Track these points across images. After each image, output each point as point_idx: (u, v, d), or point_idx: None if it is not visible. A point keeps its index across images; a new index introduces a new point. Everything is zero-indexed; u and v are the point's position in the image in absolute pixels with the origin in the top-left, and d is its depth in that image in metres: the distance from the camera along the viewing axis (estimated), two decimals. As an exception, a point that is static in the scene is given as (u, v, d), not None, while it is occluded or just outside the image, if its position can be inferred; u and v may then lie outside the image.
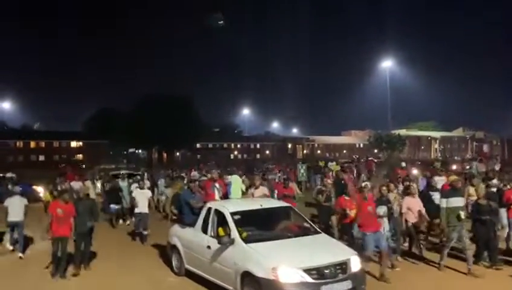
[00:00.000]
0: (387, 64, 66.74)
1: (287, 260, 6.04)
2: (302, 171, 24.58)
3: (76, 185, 14.38)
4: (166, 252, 8.92)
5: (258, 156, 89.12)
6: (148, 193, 11.88)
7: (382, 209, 8.37)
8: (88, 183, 15.60)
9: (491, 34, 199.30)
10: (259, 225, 7.33)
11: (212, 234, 7.25)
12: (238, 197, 9.54)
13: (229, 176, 11.57)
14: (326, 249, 6.67)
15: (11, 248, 10.47)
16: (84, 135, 74.08)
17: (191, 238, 7.86)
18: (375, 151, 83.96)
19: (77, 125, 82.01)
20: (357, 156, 57.93)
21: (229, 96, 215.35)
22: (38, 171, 33.95)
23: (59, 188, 13.27)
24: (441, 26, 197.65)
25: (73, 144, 75.21)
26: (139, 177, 16.11)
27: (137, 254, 10.17)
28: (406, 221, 8.85)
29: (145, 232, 10.98)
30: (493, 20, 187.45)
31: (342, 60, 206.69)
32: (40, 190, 18.83)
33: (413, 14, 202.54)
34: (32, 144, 71.95)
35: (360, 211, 7.95)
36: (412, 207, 8.83)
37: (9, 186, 10.98)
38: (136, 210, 11.15)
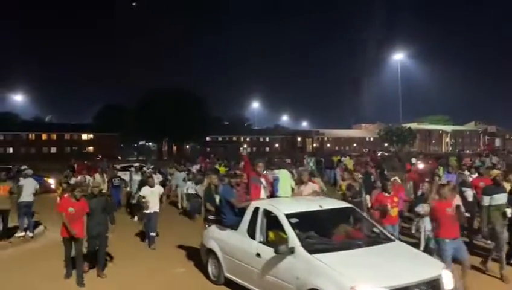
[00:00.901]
0: (398, 57, 66.21)
1: (368, 277, 4.88)
2: (310, 164, 22.98)
3: (81, 178, 13.48)
4: (201, 257, 7.69)
5: (267, 149, 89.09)
6: (160, 190, 10.40)
7: (423, 208, 7.50)
8: (97, 176, 14.37)
9: (505, 27, 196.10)
10: (320, 230, 6.15)
11: (262, 239, 6.17)
12: (287, 196, 7.85)
13: (276, 171, 9.57)
14: (410, 262, 5.50)
15: (22, 234, 10.62)
16: (95, 128, 74.75)
17: (233, 243, 6.71)
18: (386, 144, 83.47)
19: (88, 118, 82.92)
20: (368, 150, 57.69)
21: (239, 89, 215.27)
22: (50, 163, 34.43)
23: (69, 181, 12.66)
24: (454, 19, 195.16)
25: (84, 136, 75.91)
26: (148, 169, 15.48)
27: (149, 258, 8.98)
28: None
29: (153, 234, 9.75)
30: (507, 13, 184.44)
31: (353, 52, 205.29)
32: (52, 181, 19.08)
33: (426, 6, 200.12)
34: (44, 136, 72.76)
35: (437, 213, 6.56)
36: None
37: (21, 179, 11.02)
38: (146, 211, 9.72)
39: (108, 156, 46.44)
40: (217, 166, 19.84)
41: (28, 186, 10.68)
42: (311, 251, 5.43)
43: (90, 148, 72.93)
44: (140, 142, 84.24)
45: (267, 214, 6.27)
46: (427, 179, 9.86)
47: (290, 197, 7.91)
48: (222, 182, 8.05)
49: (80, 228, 7.33)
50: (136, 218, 12.92)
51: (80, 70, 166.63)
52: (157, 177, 14.61)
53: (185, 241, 9.74)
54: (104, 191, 12.38)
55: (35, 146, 69.68)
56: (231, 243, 6.77)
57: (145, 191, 9.81)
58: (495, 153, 31.06)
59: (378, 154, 43.31)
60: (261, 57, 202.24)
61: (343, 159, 24.41)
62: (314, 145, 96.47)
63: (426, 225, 7.54)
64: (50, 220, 11.16)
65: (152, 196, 9.69)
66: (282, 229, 5.88)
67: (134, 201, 13.12)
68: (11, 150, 67.70)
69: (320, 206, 6.44)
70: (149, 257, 9.03)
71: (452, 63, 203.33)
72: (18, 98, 77.06)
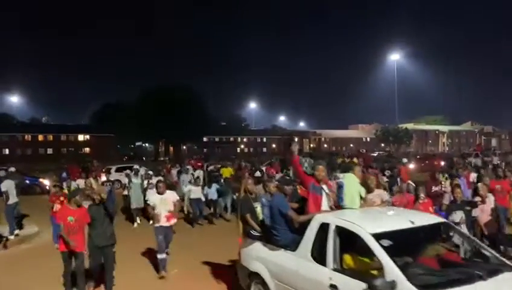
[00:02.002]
0: (395, 57, 66.37)
1: None
2: (305, 165, 23.14)
3: (80, 182, 12.56)
4: (239, 279, 6.31)
5: (264, 149, 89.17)
6: (174, 197, 8.20)
7: (458, 216, 6.78)
8: (91, 181, 12.90)
9: (502, 27, 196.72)
10: (415, 255, 4.77)
11: (336, 266, 4.68)
12: (355, 207, 5.95)
13: (340, 174, 7.40)
14: None
15: (16, 232, 10.78)
16: (91, 129, 74.56)
17: (291, 267, 5.23)
18: (382, 145, 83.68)
19: (85, 119, 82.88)
20: (364, 150, 57.78)
21: (236, 90, 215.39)
22: (46, 164, 34.36)
23: (64, 186, 12.17)
24: (450, 19, 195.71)
25: (81, 137, 75.72)
26: (151, 173, 14.20)
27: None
28: (479, 225, 7.22)
29: (163, 256, 7.63)
30: (504, 15, 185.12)
31: (349, 53, 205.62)
32: (47, 183, 19.06)
33: (422, 7, 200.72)
34: (40, 137, 72.55)
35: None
36: (485, 208, 7.31)
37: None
38: (156, 224, 7.76)
39: (104, 157, 46.50)
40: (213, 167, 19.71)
41: (13, 188, 10.85)
42: (421, 286, 3.94)
43: (87, 150, 72.81)
44: (137, 143, 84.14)
45: (343, 232, 4.80)
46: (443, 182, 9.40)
47: (363, 209, 6.00)
48: (266, 188, 6.66)
49: (80, 241, 6.32)
50: (135, 224, 12.50)
51: (77, 71, 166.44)
52: (158, 180, 14.15)
53: (200, 255, 8.66)
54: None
55: (32, 147, 69.45)
56: (287, 267, 5.29)
57: (154, 198, 7.92)
58: (485, 154, 31.18)
59: (375, 154, 43.43)
60: (259, 58, 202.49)
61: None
62: (311, 145, 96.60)
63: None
64: (45, 222, 11.15)
65: (163, 205, 7.74)
66: (366, 253, 4.55)
67: (135, 207, 12.57)
68: (7, 151, 67.47)
69: (412, 222, 4.82)
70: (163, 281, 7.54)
71: (449, 63, 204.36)
72: (14, 99, 77.18)
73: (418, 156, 38.43)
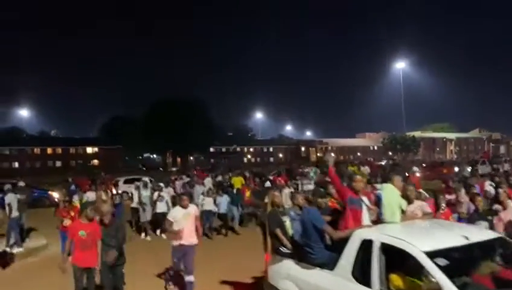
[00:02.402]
0: (400, 65, 66.34)
1: None
2: (311, 174, 21.35)
3: (91, 195, 12.40)
4: None
5: (271, 159, 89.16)
6: (195, 211, 7.45)
7: (482, 226, 6.30)
8: (101, 193, 12.98)
9: (508, 35, 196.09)
10: (470, 273, 4.33)
11: (382, 287, 4.25)
12: (396, 221, 5.33)
13: (378, 185, 7.04)
14: None
15: (16, 250, 10.66)
16: (99, 141, 75.18)
17: (327, 287, 4.81)
18: (390, 153, 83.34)
19: (93, 131, 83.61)
20: (372, 159, 57.65)
21: (243, 100, 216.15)
22: (55, 177, 34.62)
23: (75, 199, 11.74)
24: (457, 27, 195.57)
25: (89, 149, 76.36)
26: (162, 185, 13.55)
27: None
28: None
29: (191, 279, 6.85)
30: (510, 21, 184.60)
31: (356, 62, 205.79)
32: (56, 195, 19.23)
33: (428, 15, 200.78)
34: (49, 150, 73.29)
35: None
36: (504, 216, 6.73)
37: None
38: (175, 242, 6.88)
39: (113, 169, 46.83)
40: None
41: (15, 202, 11.06)
42: None
43: (95, 162, 73.36)
44: (145, 155, 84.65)
45: (390, 250, 4.31)
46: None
47: (407, 223, 5.38)
48: (294, 200, 6.19)
49: (93, 256, 6.02)
50: (148, 237, 12.19)
51: (85, 84, 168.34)
52: (168, 192, 13.76)
53: (217, 272, 8.16)
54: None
55: (41, 160, 70.13)
56: (323, 287, 4.83)
57: (176, 213, 7.02)
58: (493, 161, 30.98)
59: (382, 163, 43.23)
60: (266, 68, 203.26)
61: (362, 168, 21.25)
62: (318, 154, 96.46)
63: None
64: (53, 235, 11.22)
65: (186, 221, 6.85)
66: (417, 273, 4.08)
67: (146, 219, 12.36)
68: (16, 164, 68.18)
69: (466, 238, 4.34)
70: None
71: (455, 70, 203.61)
72: (24, 113, 78.09)
73: (424, 164, 38.25)
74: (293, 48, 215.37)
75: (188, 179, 19.29)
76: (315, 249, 5.01)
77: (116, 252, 6.09)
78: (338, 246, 4.82)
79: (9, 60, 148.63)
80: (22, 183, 13.49)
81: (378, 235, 4.52)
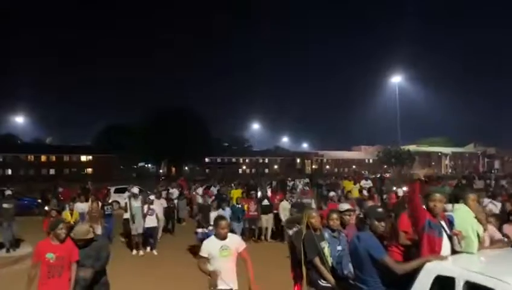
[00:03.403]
0: (396, 79, 66.73)
1: None
2: (300, 187, 20.00)
3: (81, 206, 11.82)
4: None
5: (266, 170, 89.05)
6: (239, 243, 5.18)
7: None
8: (95, 205, 12.25)
9: (503, 51, 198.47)
10: None
11: None
12: (472, 251, 4.24)
13: (449, 205, 5.43)
14: None
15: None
16: (94, 149, 74.85)
17: None
18: (385, 166, 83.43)
19: (88, 140, 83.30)
20: (366, 172, 57.60)
21: (240, 111, 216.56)
22: (47, 184, 34.28)
23: (66, 209, 11.48)
24: (454, 42, 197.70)
25: (83, 158, 75.93)
26: (152, 197, 12.41)
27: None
28: None
29: None
30: (506, 38, 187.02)
31: (353, 75, 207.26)
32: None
33: (424, 30, 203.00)
34: (43, 158, 72.83)
35: None
36: None
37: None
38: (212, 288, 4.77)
39: (106, 178, 46.52)
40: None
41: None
42: None
43: (89, 170, 72.95)
44: (140, 164, 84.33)
45: None
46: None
47: (490, 253, 4.35)
48: (330, 221, 5.23)
49: (63, 286, 4.80)
50: (141, 252, 11.35)
51: (82, 92, 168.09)
52: (161, 204, 13.25)
53: None
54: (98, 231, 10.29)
55: (34, 168, 69.64)
56: None
57: (211, 247, 4.81)
58: (481, 176, 31.05)
59: (377, 177, 43.11)
60: (263, 79, 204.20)
61: (364, 183, 18.75)
62: (313, 166, 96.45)
63: None
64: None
65: (225, 258, 4.76)
66: None
67: (136, 233, 11.43)
68: (9, 171, 67.66)
69: None
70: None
71: (451, 85, 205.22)
72: (19, 120, 77.66)
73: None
74: (290, 61, 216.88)
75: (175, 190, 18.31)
76: (369, 284, 3.99)
77: (92, 273, 5.08)
78: (400, 282, 3.83)
79: (6, 66, 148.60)
80: (9, 192, 13.34)
81: (460, 271, 3.54)
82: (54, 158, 73.12)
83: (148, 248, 11.74)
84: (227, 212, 11.68)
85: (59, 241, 4.89)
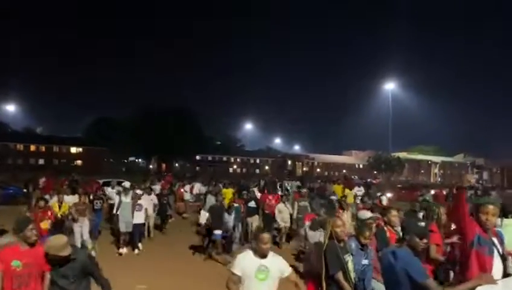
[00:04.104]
0: (390, 86, 67.15)
1: None
2: (288, 188, 19.79)
3: (69, 199, 10.88)
4: None
5: (257, 171, 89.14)
6: (287, 267, 4.14)
7: None
8: (75, 196, 11.54)
9: (495, 60, 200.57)
10: None
11: None
12: None
13: (498, 220, 4.61)
14: None
15: None
16: (84, 141, 74.32)
17: None
18: (375, 172, 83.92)
19: (79, 131, 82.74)
20: (355, 177, 57.92)
21: (234, 110, 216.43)
22: (34, 174, 34.00)
23: (52, 201, 10.53)
24: (446, 51, 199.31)
25: (73, 149, 75.36)
26: (140, 192, 11.87)
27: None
28: None
29: None
30: (499, 46, 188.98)
31: (348, 80, 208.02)
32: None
33: (418, 38, 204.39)
34: (32, 148, 72.12)
35: None
36: None
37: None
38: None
39: (95, 170, 46.27)
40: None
41: None
42: None
43: (79, 162, 72.45)
44: (131, 158, 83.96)
45: None
46: None
47: None
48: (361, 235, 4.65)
49: None
50: (124, 249, 10.54)
51: (75, 84, 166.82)
52: (151, 199, 12.55)
53: None
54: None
55: (23, 157, 68.98)
56: None
57: (246, 264, 3.86)
58: (470, 187, 31.09)
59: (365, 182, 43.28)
60: (258, 80, 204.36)
61: (356, 190, 17.26)
62: (304, 169, 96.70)
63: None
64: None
65: (263, 282, 3.84)
66: None
67: (124, 230, 10.65)
68: (-3, 159, 67.01)
69: None
70: None
71: (444, 94, 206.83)
72: (10, 108, 76.90)
73: (399, 185, 38.21)
74: (287, 62, 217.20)
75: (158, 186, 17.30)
76: None
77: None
78: None
79: None
80: None
81: None
82: (43, 148, 72.47)
83: (136, 250, 10.71)
84: (232, 216, 10.70)
85: (28, 245, 4.04)
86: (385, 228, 5.27)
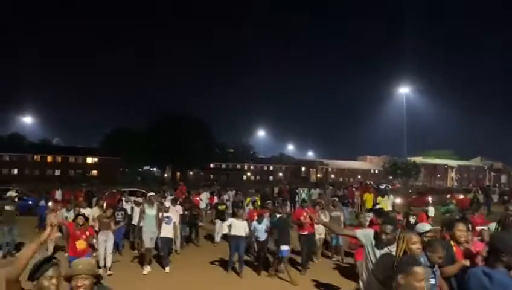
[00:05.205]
0: (404, 90, 66.49)
1: None
2: (303, 196, 19.54)
3: (87, 211, 10.41)
4: None
5: (271, 178, 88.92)
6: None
7: None
8: (96, 209, 11.29)
9: (510, 64, 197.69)
10: None
11: None
12: None
13: None
14: None
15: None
16: (100, 152, 75.21)
17: None
18: (390, 177, 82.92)
19: (95, 142, 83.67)
20: (371, 182, 57.26)
21: (246, 118, 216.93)
22: (51, 185, 34.37)
23: (64, 214, 10.59)
24: (461, 54, 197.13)
25: (89, 160, 76.20)
26: (168, 205, 10.56)
27: None
28: None
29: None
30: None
31: (361, 85, 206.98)
32: (50, 204, 18.96)
33: (433, 41, 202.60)
34: (49, 159, 73.15)
35: None
36: None
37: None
38: None
39: (111, 180, 46.58)
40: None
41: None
42: None
43: (94, 172, 73.20)
44: (145, 167, 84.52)
45: None
46: None
47: None
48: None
49: None
50: (148, 268, 9.52)
51: (91, 95, 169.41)
52: (176, 210, 11.42)
53: None
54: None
55: (40, 168, 69.96)
56: None
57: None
58: (483, 190, 30.45)
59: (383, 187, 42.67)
60: (270, 86, 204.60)
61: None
62: (318, 175, 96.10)
63: None
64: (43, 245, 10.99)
65: None
66: None
67: (148, 246, 9.77)
68: (15, 171, 68.06)
69: None
70: None
71: (459, 98, 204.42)
72: (27, 120, 78.18)
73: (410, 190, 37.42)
74: (299, 69, 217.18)
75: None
76: None
77: None
78: None
79: (15, 66, 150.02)
80: (13, 192, 13.15)
81: None
82: (59, 159, 73.46)
83: (167, 268, 9.74)
84: (264, 223, 9.67)
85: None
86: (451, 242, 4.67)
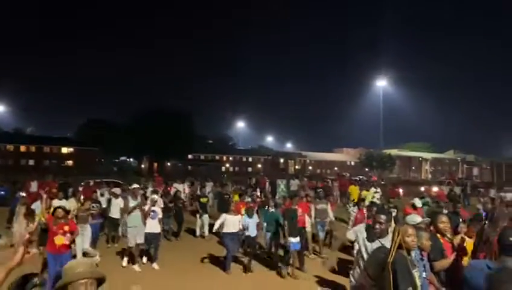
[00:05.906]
0: (381, 83, 67.40)
1: None
2: (281, 187, 19.74)
3: (58, 203, 9.31)
4: None
5: (249, 169, 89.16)
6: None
7: None
8: (72, 201, 10.89)
9: (486, 56, 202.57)
10: None
11: None
12: None
13: None
14: None
15: None
16: (75, 142, 73.79)
17: None
18: (366, 169, 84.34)
19: (70, 132, 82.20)
20: (347, 174, 58.16)
21: (225, 109, 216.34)
22: (24, 175, 33.77)
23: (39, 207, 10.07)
24: (437, 47, 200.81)
25: (64, 149, 74.73)
26: (156, 197, 9.88)
27: None
28: None
29: None
30: (488, 42, 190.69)
31: (339, 77, 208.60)
32: (22, 194, 18.51)
33: (409, 34, 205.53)
34: (23, 148, 71.39)
35: None
36: None
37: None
38: None
39: (87, 171, 45.96)
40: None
41: None
42: None
43: (70, 162, 71.91)
44: (122, 158, 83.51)
45: None
46: None
47: None
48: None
49: None
50: (136, 267, 8.99)
51: (66, 85, 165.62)
52: (159, 205, 10.04)
53: None
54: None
55: (13, 158, 68.30)
56: None
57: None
58: (456, 183, 31.38)
59: (359, 179, 43.37)
60: (250, 78, 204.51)
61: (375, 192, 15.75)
62: (296, 167, 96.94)
63: None
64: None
65: None
66: None
67: (133, 243, 9.09)
68: (-13, 161, 66.29)
69: None
70: None
71: (434, 91, 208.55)
72: (0, 108, 76.05)
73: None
74: (278, 61, 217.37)
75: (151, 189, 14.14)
76: None
77: None
78: None
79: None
80: None
81: None
82: (33, 149, 71.83)
83: (145, 259, 9.54)
84: (254, 218, 9.35)
85: None
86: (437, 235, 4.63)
